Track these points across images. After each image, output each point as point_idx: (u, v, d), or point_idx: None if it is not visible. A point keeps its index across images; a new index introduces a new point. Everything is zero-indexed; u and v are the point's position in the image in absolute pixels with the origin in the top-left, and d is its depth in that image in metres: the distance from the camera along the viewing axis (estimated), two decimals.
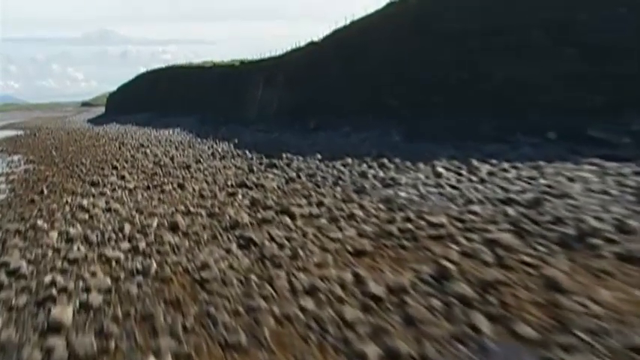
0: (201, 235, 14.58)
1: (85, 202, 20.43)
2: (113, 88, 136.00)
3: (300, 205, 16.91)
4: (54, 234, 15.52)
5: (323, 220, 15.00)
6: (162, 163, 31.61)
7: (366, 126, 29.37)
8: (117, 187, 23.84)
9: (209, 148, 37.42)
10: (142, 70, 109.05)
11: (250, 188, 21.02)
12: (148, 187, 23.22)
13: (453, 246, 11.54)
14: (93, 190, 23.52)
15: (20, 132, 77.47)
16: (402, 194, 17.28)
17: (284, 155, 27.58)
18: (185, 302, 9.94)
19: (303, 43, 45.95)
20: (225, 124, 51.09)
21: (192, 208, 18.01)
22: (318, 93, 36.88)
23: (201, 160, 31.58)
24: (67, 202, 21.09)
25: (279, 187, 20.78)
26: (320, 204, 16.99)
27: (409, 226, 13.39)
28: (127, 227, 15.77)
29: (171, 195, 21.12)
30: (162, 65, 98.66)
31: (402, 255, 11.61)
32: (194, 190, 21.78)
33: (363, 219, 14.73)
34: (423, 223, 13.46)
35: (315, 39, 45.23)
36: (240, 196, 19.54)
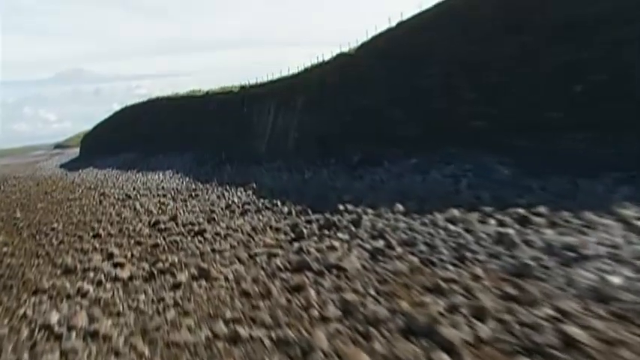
0: None
1: (54, 317, 13.18)
2: (88, 126, 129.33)
3: (443, 317, 9.83)
4: None
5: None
6: (161, 225, 24.46)
7: (444, 157, 22.51)
8: (103, 277, 16.64)
9: (219, 197, 30.29)
10: (116, 106, 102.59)
11: (319, 273, 13.88)
12: (152, 276, 16.04)
13: None
14: (67, 284, 16.29)
15: None
16: (614, 279, 10.29)
17: (340, 207, 20.48)
18: None
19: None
20: (228, 162, 44.16)
21: (241, 330, 10.86)
22: (359, 116, 30.07)
23: (216, 217, 24.46)
24: (24, 315, 13.83)
25: (367, 268, 13.69)
26: (479, 312, 9.87)
27: None
28: None
29: (193, 293, 13.93)
30: (138, 100, 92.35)
31: None
32: (227, 280, 14.62)
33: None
34: None
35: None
36: (313, 293, 12.44)
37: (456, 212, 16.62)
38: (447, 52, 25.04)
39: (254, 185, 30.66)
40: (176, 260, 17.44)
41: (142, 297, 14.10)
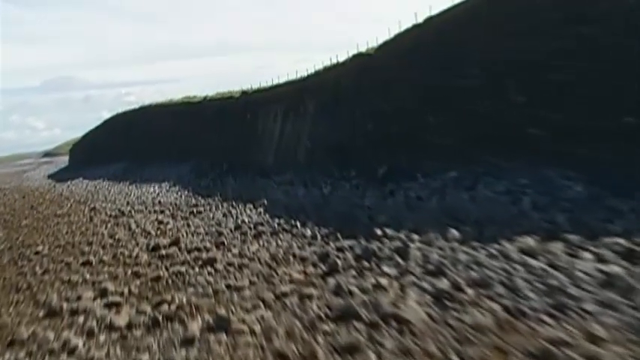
0: None
1: None
2: (77, 134, 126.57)
3: None
4: None
5: None
6: (161, 250, 21.63)
7: (491, 170, 19.71)
8: (95, 324, 13.75)
9: (226, 215, 27.37)
10: (106, 114, 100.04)
11: (374, 326, 11.03)
12: (156, 324, 13.15)
13: None
14: (51, 334, 13.38)
15: None
16: None
17: (377, 231, 17.62)
18: None
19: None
20: (231, 174, 41.30)
21: None
22: (383, 122, 27.27)
23: (225, 240, 21.62)
24: None
25: (435, 320, 10.87)
26: None
27: None
28: None
29: (211, 353, 11.07)
30: (128, 107, 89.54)
31: None
32: (253, 333, 11.73)
33: None
34: None
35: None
36: (374, 358, 9.60)
37: (530, 241, 13.79)
38: (490, 48, 22.28)
39: (265, 202, 27.75)
40: (184, 301, 14.58)
41: (146, 358, 11.19)
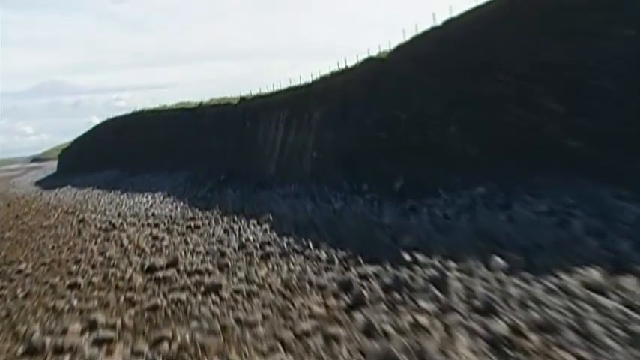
0: None
1: None
2: (66, 139, 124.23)
3: None
4: None
5: None
6: (158, 271, 19.69)
7: (527, 187, 17.86)
8: None
9: (227, 232, 25.42)
10: (96, 119, 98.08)
11: None
12: None
13: None
14: None
15: None
16: None
17: (404, 255, 15.74)
18: None
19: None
20: (229, 184, 39.35)
21: None
22: (397, 131, 25.44)
23: (229, 262, 19.75)
24: None
25: None
26: None
27: None
28: None
29: None
30: (118, 113, 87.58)
31: None
32: None
33: None
34: None
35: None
36: None
37: (594, 274, 11.94)
38: (521, 51, 20.54)
39: (270, 217, 25.80)
40: (188, 338, 12.66)
41: None
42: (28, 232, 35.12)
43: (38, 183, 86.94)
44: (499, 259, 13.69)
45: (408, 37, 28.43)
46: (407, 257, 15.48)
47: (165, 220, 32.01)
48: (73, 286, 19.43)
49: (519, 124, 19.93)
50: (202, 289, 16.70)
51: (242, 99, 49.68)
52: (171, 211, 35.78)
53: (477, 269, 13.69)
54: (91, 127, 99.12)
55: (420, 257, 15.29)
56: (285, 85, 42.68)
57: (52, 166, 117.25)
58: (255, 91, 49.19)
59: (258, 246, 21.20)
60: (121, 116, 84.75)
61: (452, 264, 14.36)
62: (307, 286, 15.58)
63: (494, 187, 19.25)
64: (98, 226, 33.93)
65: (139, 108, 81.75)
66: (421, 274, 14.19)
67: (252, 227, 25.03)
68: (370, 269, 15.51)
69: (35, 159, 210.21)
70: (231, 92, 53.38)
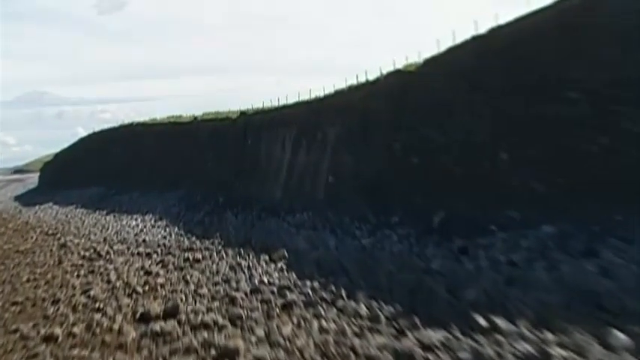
0: None
1: None
2: (49, 151, 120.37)
3: None
4: None
5: None
6: (154, 323, 16.21)
7: (610, 227, 14.71)
8: None
9: (234, 269, 22.03)
10: (81, 130, 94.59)
11: None
12: None
13: None
14: None
15: None
16: None
17: (477, 318, 12.49)
18: None
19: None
20: (228, 208, 35.99)
21: None
22: (433, 156, 22.36)
23: (242, 313, 16.35)
24: None
25: None
26: None
27: None
28: None
29: None
30: (103, 125, 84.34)
31: None
32: None
33: None
34: None
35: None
36: None
37: None
38: (594, 66, 17.59)
39: (285, 252, 22.46)
40: None
41: None
42: (1, 259, 31.50)
43: (18, 198, 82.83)
44: (619, 334, 10.47)
45: (442, 48, 25.45)
46: (481, 322, 12.22)
47: (159, 250, 28.57)
48: (49, 338, 15.95)
49: (594, 151, 16.89)
50: (213, 353, 13.30)
51: (242, 113, 46.50)
52: (165, 237, 32.35)
53: (588, 346, 10.44)
54: (76, 138, 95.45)
55: (499, 322, 12.02)
56: (281, 99, 40.18)
57: (33, 180, 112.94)
58: (243, 107, 46.75)
59: (275, 291, 17.83)
60: (108, 129, 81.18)
61: (549, 336, 11.10)
62: (352, 355, 12.24)
63: (565, 227, 16.12)
64: (81, 253, 30.45)
65: (125, 121, 78.37)
66: (509, 349, 10.93)
67: (264, 265, 21.66)
68: (434, 336, 12.21)
69: (17, 170, 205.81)
70: (219, 107, 50.89)
